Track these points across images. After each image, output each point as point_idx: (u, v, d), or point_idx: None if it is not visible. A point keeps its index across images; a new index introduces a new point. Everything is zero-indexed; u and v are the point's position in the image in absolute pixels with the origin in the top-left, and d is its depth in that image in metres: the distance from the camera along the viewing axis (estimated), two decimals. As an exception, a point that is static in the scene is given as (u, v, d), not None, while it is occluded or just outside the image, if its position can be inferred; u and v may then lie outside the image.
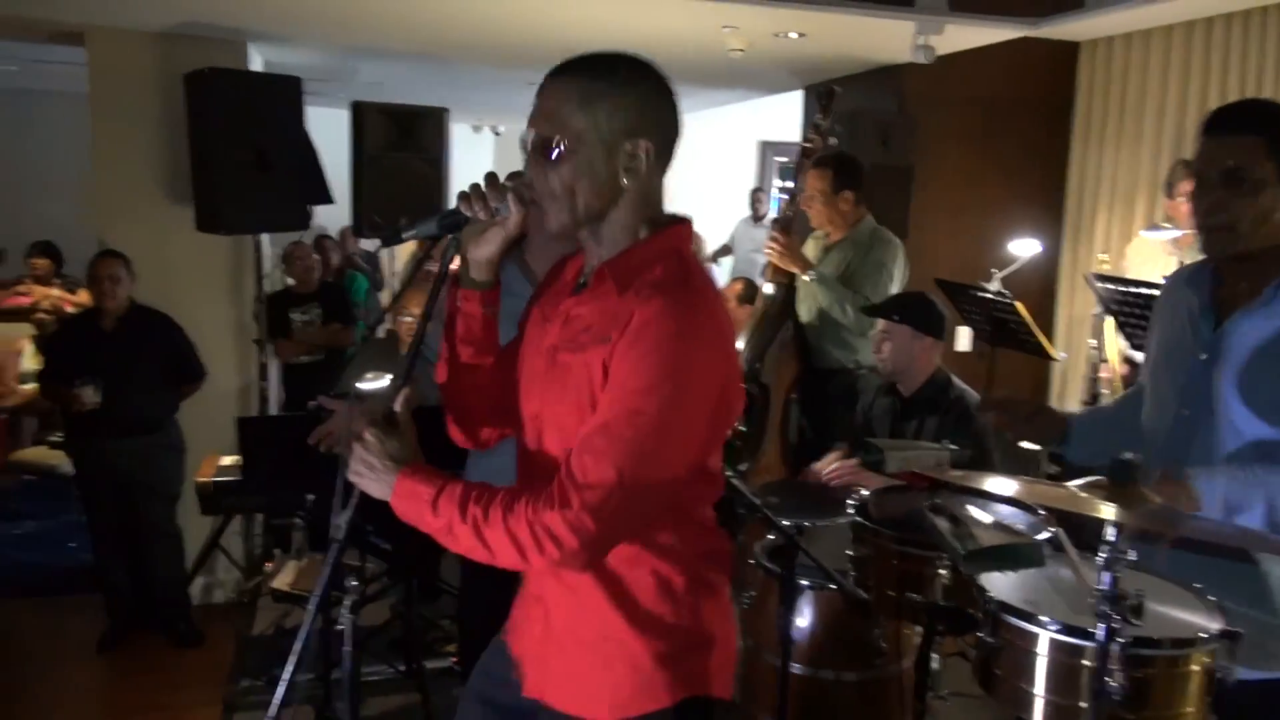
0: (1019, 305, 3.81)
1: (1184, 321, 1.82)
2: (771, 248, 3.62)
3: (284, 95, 4.01)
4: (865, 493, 2.37)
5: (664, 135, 1.39)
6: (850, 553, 2.25)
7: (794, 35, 3.94)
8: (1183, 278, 1.88)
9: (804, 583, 2.45)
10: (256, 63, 4.69)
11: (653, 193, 1.41)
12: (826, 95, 3.61)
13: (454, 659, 3.59)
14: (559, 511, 1.27)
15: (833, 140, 3.67)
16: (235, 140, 3.83)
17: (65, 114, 7.32)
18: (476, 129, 9.66)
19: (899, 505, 2.30)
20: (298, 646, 1.54)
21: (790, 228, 3.67)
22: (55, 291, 6.38)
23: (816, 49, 4.26)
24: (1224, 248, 1.71)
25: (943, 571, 2.02)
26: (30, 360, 5.44)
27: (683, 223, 1.44)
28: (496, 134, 9.73)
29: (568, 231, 1.40)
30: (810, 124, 3.67)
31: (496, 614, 1.64)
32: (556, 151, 1.34)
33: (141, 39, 4.24)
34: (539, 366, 1.44)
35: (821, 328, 3.73)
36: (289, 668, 1.53)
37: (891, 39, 3.88)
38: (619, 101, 1.35)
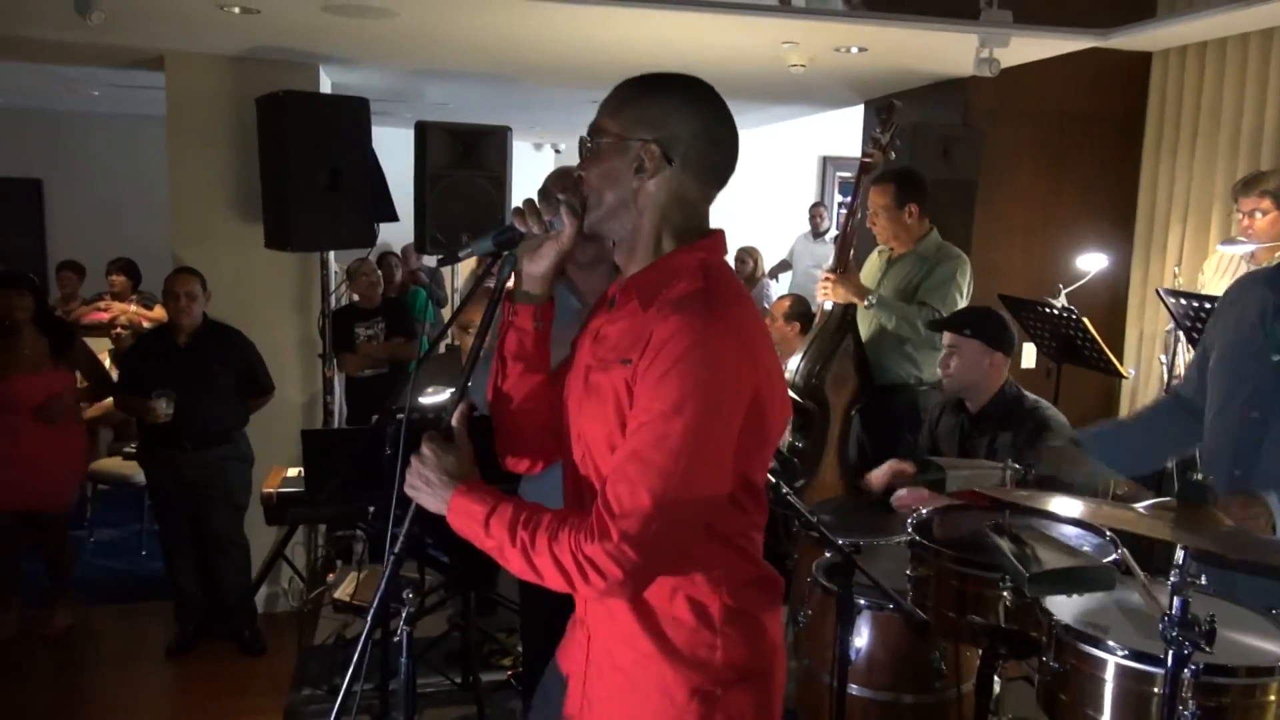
0: (1086, 321, 3.72)
1: (1254, 322, 1.76)
2: (825, 288, 3.60)
3: (352, 116, 4.11)
4: (924, 511, 2.33)
5: (692, 146, 1.38)
6: (909, 573, 2.21)
7: (855, 50, 3.92)
8: (1259, 277, 1.83)
9: (862, 602, 2.41)
10: (326, 85, 4.81)
11: (681, 207, 1.40)
12: (886, 109, 3.57)
13: (510, 672, 3.61)
14: (599, 544, 1.26)
15: (892, 155, 3.63)
16: (305, 160, 3.93)
17: (148, 137, 7.65)
18: (538, 147, 9.78)
19: (961, 525, 2.25)
20: (355, 657, 1.57)
21: (847, 249, 3.64)
22: (133, 307, 6.61)
23: (878, 63, 4.23)
24: None
25: (1005, 593, 1.97)
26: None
27: (713, 235, 1.43)
28: (557, 151, 9.84)
29: (593, 229, 1.43)
30: (869, 138, 3.64)
31: (557, 628, 1.64)
32: (585, 151, 1.41)
33: (217, 63, 4.39)
34: (577, 386, 1.44)
35: (882, 343, 3.69)
36: (348, 678, 1.55)
37: (955, 52, 3.83)
38: (644, 104, 1.39)
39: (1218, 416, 1.80)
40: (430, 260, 7.29)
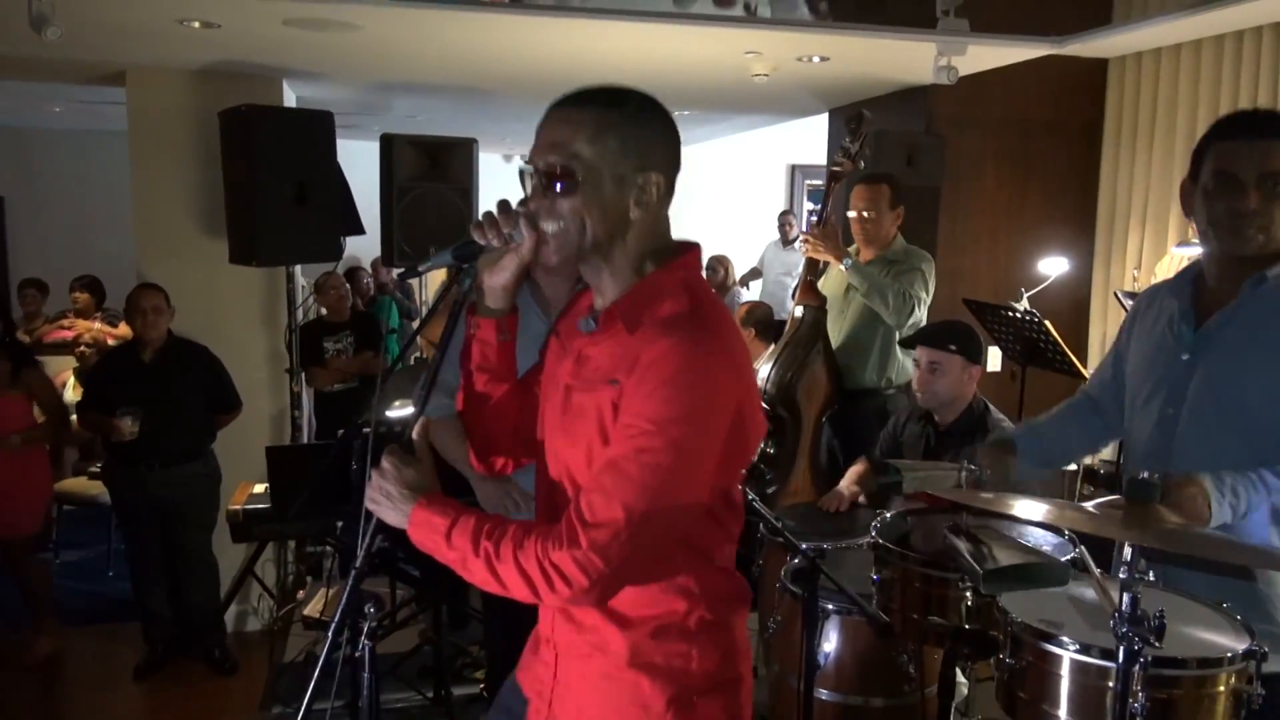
0: (1048, 324, 3.78)
1: (1164, 327, 1.86)
2: (808, 239, 3.64)
3: (317, 130, 4.09)
4: (888, 515, 2.35)
5: (671, 170, 1.40)
6: (874, 575, 2.23)
7: (817, 59, 3.96)
8: (1164, 288, 1.92)
9: (829, 607, 2.43)
10: (290, 98, 4.79)
11: (659, 225, 1.41)
12: (855, 119, 3.62)
13: (482, 685, 3.60)
14: (568, 550, 1.26)
15: (862, 164, 3.68)
16: (270, 174, 3.91)
17: (111, 153, 7.59)
18: (507, 158, 9.77)
19: (925, 528, 2.27)
20: (315, 675, 1.56)
21: (825, 220, 3.69)
22: (97, 325, 6.53)
23: (840, 72, 4.27)
24: (1249, 247, 1.71)
25: (967, 594, 1.99)
26: (72, 392, 5.56)
27: (690, 251, 1.44)
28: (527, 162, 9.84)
29: (569, 264, 1.40)
30: (839, 147, 3.68)
31: (520, 641, 1.64)
32: (567, 181, 1.34)
33: (178, 77, 4.37)
34: (555, 401, 1.44)
35: (852, 349, 3.73)
36: (307, 696, 1.55)
37: (914, 60, 3.88)
38: (631, 133, 1.35)
39: (1139, 414, 1.86)
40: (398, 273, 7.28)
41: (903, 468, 2.38)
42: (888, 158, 4.20)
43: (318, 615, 3.66)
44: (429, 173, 4.24)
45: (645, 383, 1.28)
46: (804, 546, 2.18)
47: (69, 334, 6.37)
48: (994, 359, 4.46)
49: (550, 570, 1.27)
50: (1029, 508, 1.60)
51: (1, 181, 8.35)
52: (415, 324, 7.67)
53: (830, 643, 2.48)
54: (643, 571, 1.34)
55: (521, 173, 1.42)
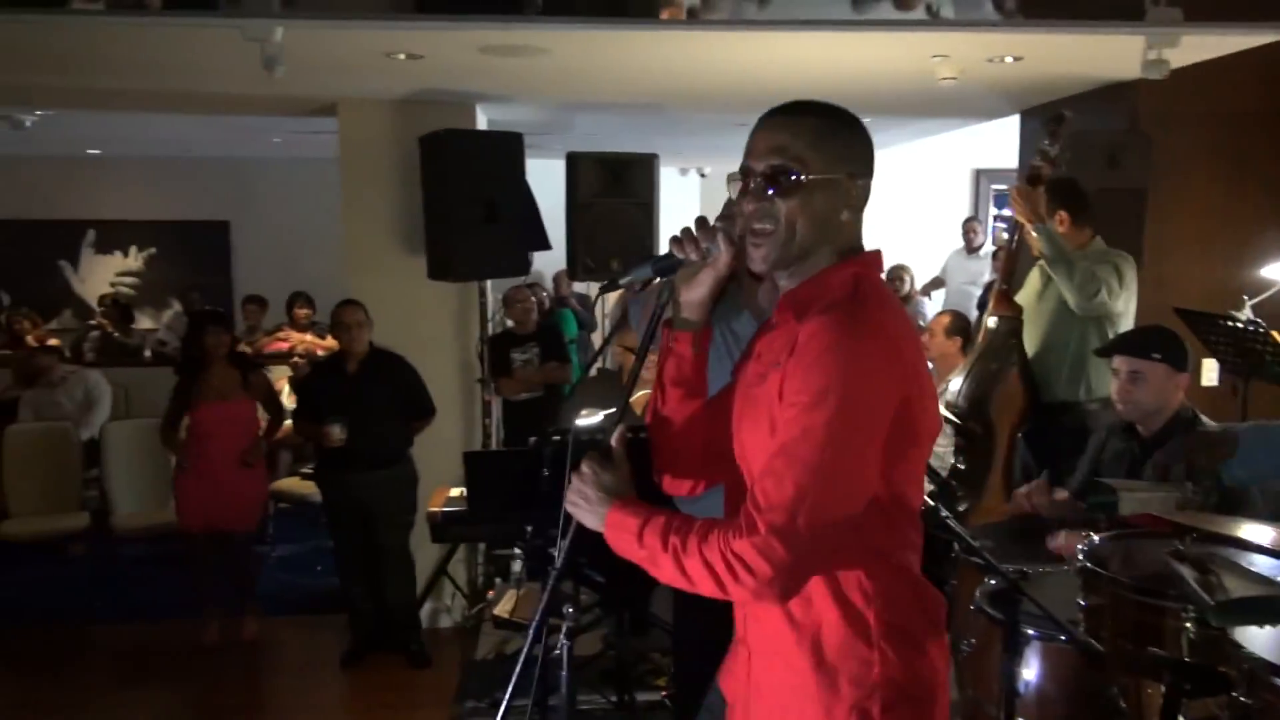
0: (1276, 335, 3.46)
1: None
2: (1014, 198, 3.51)
3: (507, 150, 4.29)
4: (1096, 538, 2.21)
5: (870, 169, 1.44)
6: (1081, 601, 2.10)
7: (1010, 59, 3.79)
8: None
9: (1030, 632, 2.31)
10: (482, 122, 5.04)
11: (857, 231, 1.45)
12: (1055, 120, 3.46)
13: (664, 692, 3.63)
14: (747, 538, 1.28)
15: (1062, 167, 3.50)
16: (465, 194, 4.13)
17: (320, 178, 8.22)
18: (683, 172, 9.89)
19: (1137, 552, 2.13)
20: (516, 671, 1.63)
21: (1015, 255, 3.54)
22: (309, 337, 7.07)
23: (1034, 71, 4.07)
24: None
25: (1188, 624, 1.84)
26: (287, 399, 6.04)
27: (873, 252, 1.45)
28: (702, 176, 9.91)
29: (776, 267, 1.42)
30: (1037, 150, 3.52)
31: (710, 649, 1.66)
32: (787, 182, 1.37)
33: (384, 107, 4.68)
34: (741, 406, 1.47)
35: (1049, 360, 3.54)
36: (509, 691, 1.61)
37: (1118, 55, 3.65)
38: (847, 140, 1.41)
39: None
40: (582, 286, 7.49)
41: (1119, 487, 2.23)
42: (1088, 159, 3.97)
43: (507, 615, 3.80)
44: (611, 188, 4.36)
45: (802, 359, 1.30)
46: (1007, 569, 2.08)
47: (285, 345, 6.93)
48: (1209, 372, 4.13)
49: (734, 561, 1.28)
50: (1266, 534, 1.47)
51: (227, 207, 9.20)
52: (594, 336, 7.87)
53: (1031, 670, 2.35)
54: (822, 564, 1.33)
55: (731, 176, 1.44)
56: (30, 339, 7.11)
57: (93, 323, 8.40)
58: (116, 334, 7.77)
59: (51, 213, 8.95)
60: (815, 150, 1.37)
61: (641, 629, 4.00)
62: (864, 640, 1.36)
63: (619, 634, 3.57)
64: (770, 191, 1.38)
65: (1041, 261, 3.70)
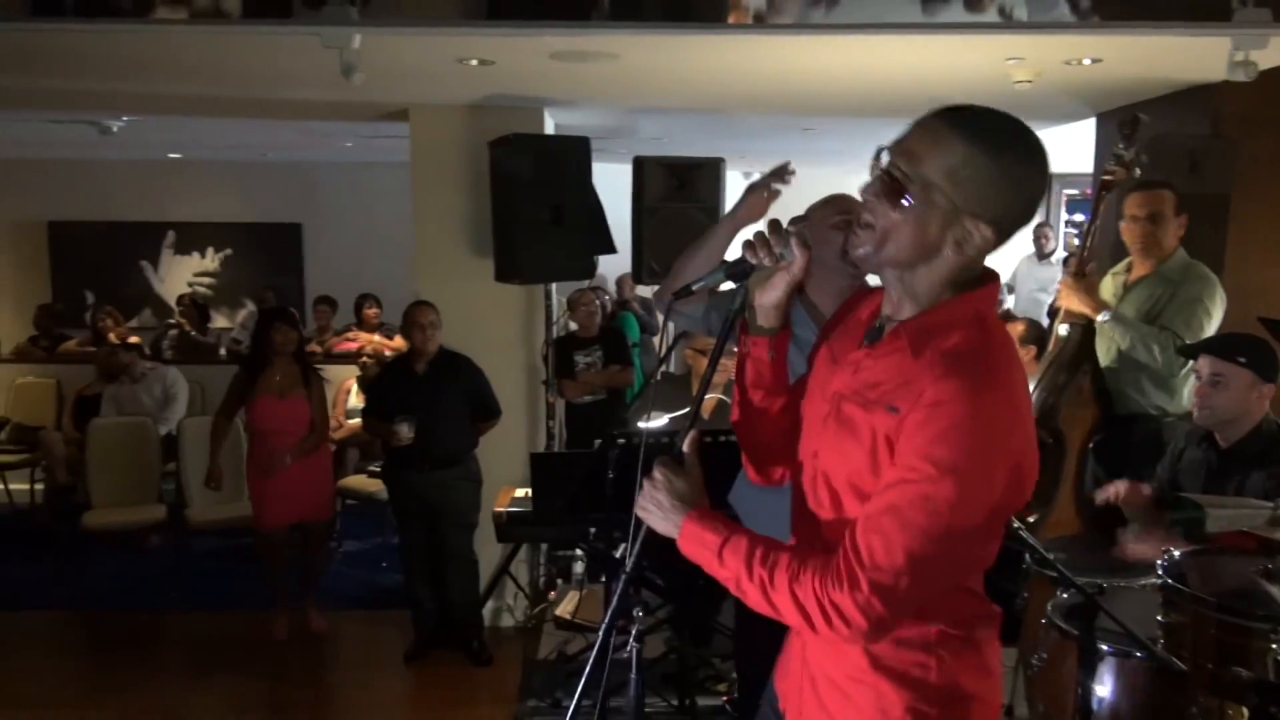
0: (1369, 347, 3.32)
1: None
2: (1065, 293, 3.42)
3: (575, 154, 4.33)
4: (1176, 553, 2.15)
5: (1011, 220, 1.33)
6: (1160, 619, 2.05)
7: (1088, 61, 3.71)
8: None
9: (1105, 648, 2.26)
10: (550, 126, 5.09)
11: (975, 263, 1.35)
12: (1129, 123, 3.36)
13: (725, 697, 3.63)
14: (849, 593, 1.27)
15: (1137, 171, 3.41)
16: (532, 198, 4.18)
17: (389, 182, 8.39)
18: (747, 175, 9.83)
19: (1220, 569, 2.07)
20: (587, 669, 1.64)
21: (1086, 254, 3.44)
22: (377, 337, 7.22)
23: (1114, 74, 3.98)
24: None
25: (1275, 645, 1.79)
26: (355, 399, 6.17)
27: (990, 283, 1.38)
28: (767, 180, 9.87)
29: (864, 264, 1.38)
30: (1111, 154, 3.43)
31: (771, 658, 1.66)
32: (900, 197, 1.30)
33: (454, 112, 4.75)
34: (822, 410, 1.44)
35: (1123, 370, 3.44)
36: (579, 690, 1.63)
37: (1202, 57, 3.54)
38: (985, 176, 1.28)
39: None
40: (646, 290, 7.50)
41: (1205, 504, 2.16)
42: (1167, 163, 3.85)
43: (569, 616, 3.83)
44: (677, 192, 4.36)
45: (931, 424, 1.26)
46: (1083, 583, 2.04)
47: (354, 345, 7.07)
48: (1296, 385, 3.97)
49: (830, 610, 1.29)
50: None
51: (299, 210, 9.42)
52: (656, 340, 7.87)
53: (1105, 687, 2.30)
54: (915, 610, 1.33)
55: (876, 151, 1.36)
56: (113, 336, 7.38)
57: (171, 321, 8.69)
58: (194, 332, 8.03)
59: (134, 214, 9.26)
60: (947, 180, 1.28)
61: (704, 636, 4.00)
62: (922, 646, 1.37)
63: (681, 637, 3.57)
64: (882, 193, 1.32)
65: (1115, 270, 3.61)
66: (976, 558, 1.38)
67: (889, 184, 1.31)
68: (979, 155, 1.28)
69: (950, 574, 1.32)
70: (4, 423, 6.58)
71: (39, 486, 6.63)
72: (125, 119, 5.75)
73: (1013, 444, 1.29)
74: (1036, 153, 1.31)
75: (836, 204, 2.40)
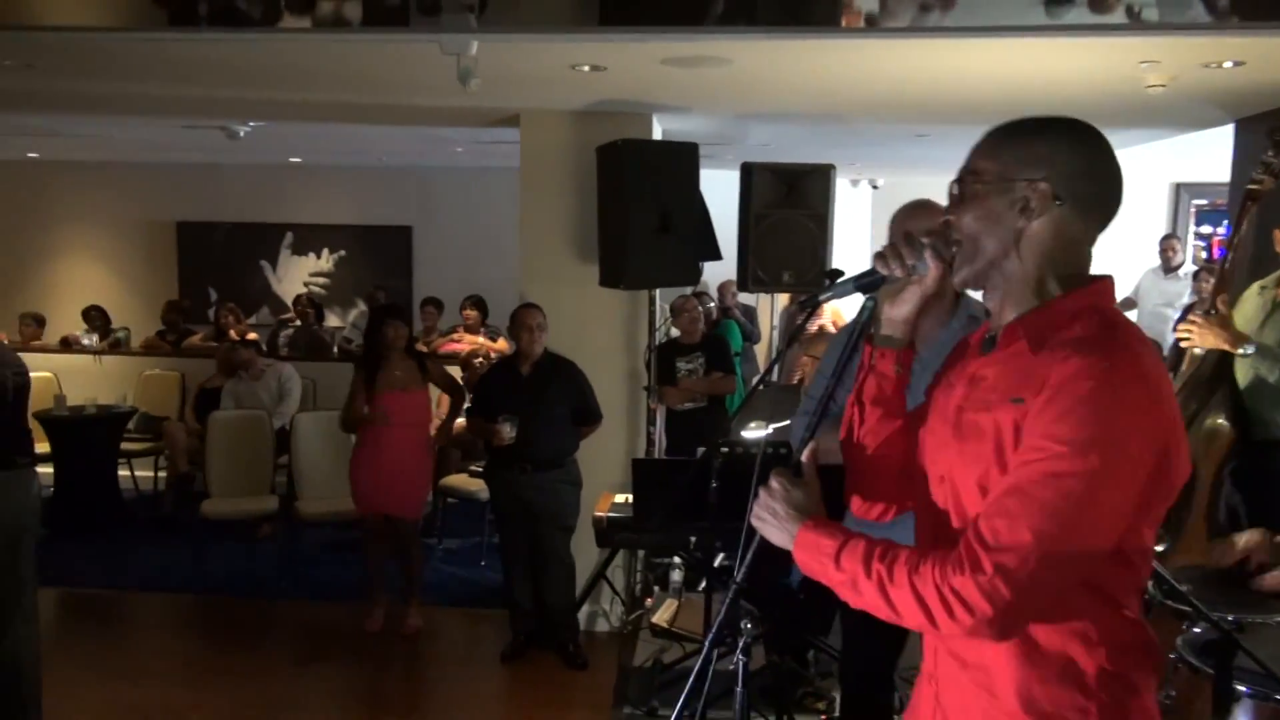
0: None
1: None
2: (1189, 331, 3.24)
3: (683, 160, 4.31)
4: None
5: (1079, 185, 1.33)
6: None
7: (1229, 64, 3.51)
8: None
9: (1242, 689, 2.11)
10: (658, 132, 5.09)
11: (1066, 248, 1.34)
12: (1278, 130, 3.16)
13: (823, 716, 3.54)
14: (970, 576, 1.20)
15: (1284, 179, 3.20)
16: (639, 203, 4.17)
17: (497, 187, 8.52)
18: (855, 183, 9.67)
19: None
20: (692, 679, 1.61)
21: (1222, 290, 3.25)
22: (481, 339, 7.34)
23: (1257, 77, 3.75)
24: None
25: None
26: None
27: (1102, 280, 1.35)
28: (875, 187, 9.67)
29: (968, 284, 1.38)
30: (1260, 162, 3.23)
31: (877, 680, 1.60)
32: (962, 192, 1.36)
33: (564, 117, 4.79)
34: (945, 431, 1.39)
35: (1263, 393, 3.23)
36: (681, 700, 1.60)
37: (1357, 59, 3.32)
38: (1025, 142, 1.34)
39: None
40: (749, 298, 7.44)
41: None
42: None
43: (666, 625, 3.80)
44: (785, 199, 4.31)
45: (1057, 402, 1.20)
46: (1218, 618, 1.91)
47: (458, 346, 7.21)
48: None
49: (950, 596, 1.21)
50: None
51: (410, 213, 9.68)
52: (759, 349, 7.81)
53: (1240, 731, 2.15)
54: (1045, 609, 1.25)
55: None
56: (233, 333, 7.70)
57: (287, 318, 9.03)
58: (315, 327, 8.32)
59: (256, 216, 9.66)
60: (993, 158, 1.35)
61: (803, 653, 3.91)
62: (1080, 689, 1.27)
63: (780, 652, 3.51)
64: (953, 206, 1.37)
65: (1263, 283, 3.39)
66: (1123, 557, 1.27)
67: (953, 197, 1.39)
68: (1008, 129, 1.37)
69: (1084, 564, 1.22)
70: (132, 412, 6.93)
71: (162, 474, 6.98)
72: (251, 124, 6.00)
73: (1150, 423, 1.21)
74: (1069, 120, 1.37)
75: (928, 209, 2.31)
